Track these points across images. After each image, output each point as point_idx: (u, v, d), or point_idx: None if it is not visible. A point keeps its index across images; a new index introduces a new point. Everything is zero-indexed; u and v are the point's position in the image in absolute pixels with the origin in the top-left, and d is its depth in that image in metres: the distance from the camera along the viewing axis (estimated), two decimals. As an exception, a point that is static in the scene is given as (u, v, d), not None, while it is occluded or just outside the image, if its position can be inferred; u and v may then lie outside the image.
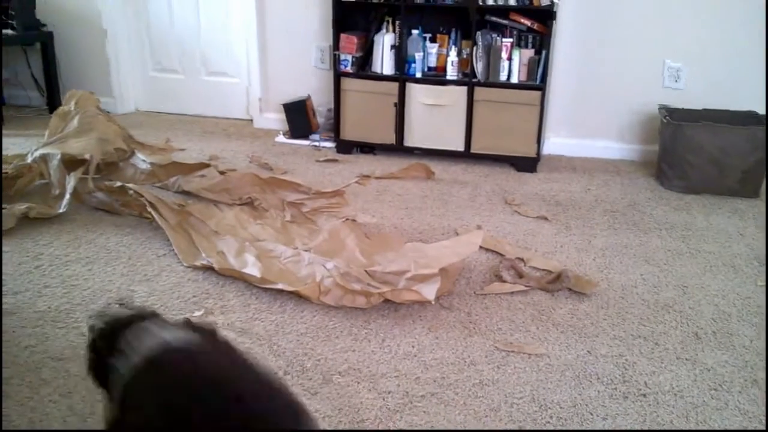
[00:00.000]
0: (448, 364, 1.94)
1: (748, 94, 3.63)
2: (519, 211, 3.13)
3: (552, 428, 1.70)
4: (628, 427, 1.71)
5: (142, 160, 3.38)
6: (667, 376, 1.91)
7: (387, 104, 3.84)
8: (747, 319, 2.22)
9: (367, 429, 1.70)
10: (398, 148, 3.91)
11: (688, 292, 2.40)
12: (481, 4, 3.55)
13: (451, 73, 3.72)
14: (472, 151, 3.79)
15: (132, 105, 4.96)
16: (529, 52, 3.61)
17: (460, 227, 2.93)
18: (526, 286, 2.39)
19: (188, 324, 1.30)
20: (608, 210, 3.18)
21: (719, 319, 2.22)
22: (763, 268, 2.59)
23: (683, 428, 1.71)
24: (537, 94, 3.59)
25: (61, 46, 4.74)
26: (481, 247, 2.70)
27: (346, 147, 4.02)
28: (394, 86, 3.79)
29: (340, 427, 1.68)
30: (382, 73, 3.83)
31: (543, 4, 3.47)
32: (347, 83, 3.89)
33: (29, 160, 3.18)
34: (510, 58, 3.61)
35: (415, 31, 3.77)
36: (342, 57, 3.85)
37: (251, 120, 4.67)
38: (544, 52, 3.56)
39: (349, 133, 3.98)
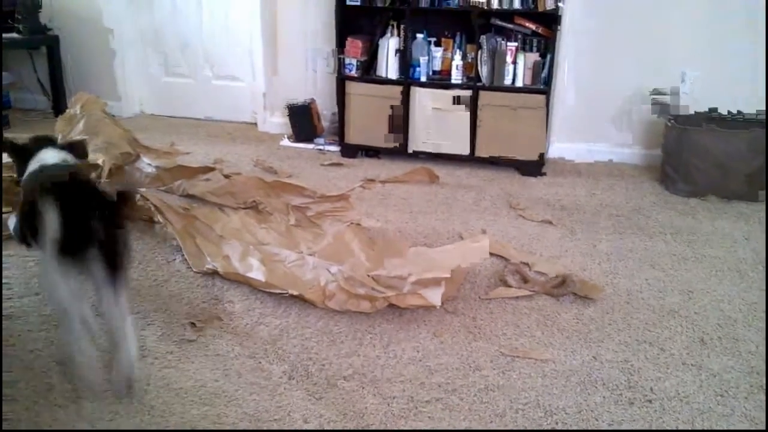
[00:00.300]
0: (453, 369, 1.95)
1: (752, 97, 3.62)
2: (524, 216, 3.13)
3: (550, 428, 1.70)
4: (634, 433, 1.71)
5: (147, 164, 3.39)
6: (672, 381, 1.91)
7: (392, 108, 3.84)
8: (753, 325, 2.22)
9: (368, 429, 1.70)
10: (403, 152, 3.91)
11: (694, 297, 2.39)
12: (486, 8, 3.55)
13: (456, 76, 3.72)
14: (477, 155, 3.79)
15: (137, 108, 4.98)
16: (533, 56, 3.62)
17: (465, 231, 2.93)
18: (531, 290, 2.39)
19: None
20: (613, 214, 3.17)
21: (725, 325, 2.22)
22: (769, 273, 2.59)
23: (684, 428, 1.72)
24: (542, 97, 3.59)
25: (67, 50, 4.76)
26: (485, 251, 2.71)
27: (350, 151, 4.02)
28: (399, 90, 3.79)
29: (346, 433, 1.69)
30: (386, 77, 3.83)
31: (548, 8, 3.47)
32: (352, 87, 3.89)
33: None
34: (515, 62, 3.61)
35: (420, 35, 3.77)
36: (347, 61, 3.85)
37: (256, 124, 4.68)
38: (548, 56, 3.56)
39: (353, 136, 3.99)
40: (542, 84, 3.60)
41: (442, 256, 2.46)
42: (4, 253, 2.61)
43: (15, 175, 2.16)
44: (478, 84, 3.68)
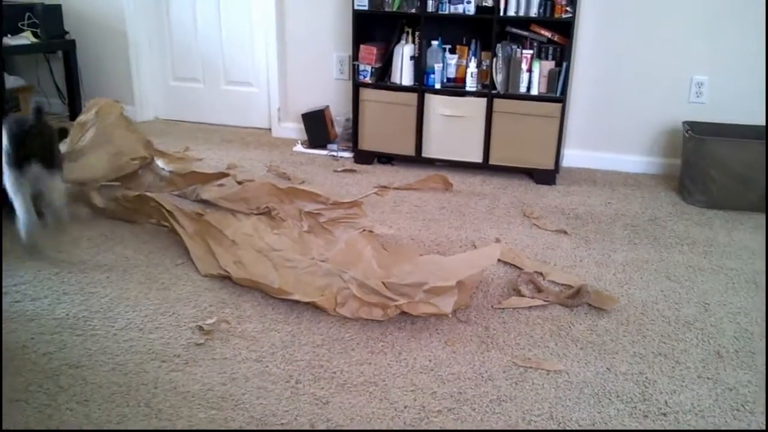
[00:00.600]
0: (465, 378, 1.92)
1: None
2: (537, 224, 3.11)
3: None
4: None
5: (161, 168, 3.40)
6: (687, 395, 1.88)
7: (406, 115, 3.84)
8: (770, 338, 2.18)
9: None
10: (416, 159, 3.90)
11: (710, 310, 2.36)
12: (501, 15, 3.54)
13: (471, 84, 3.71)
14: (491, 162, 3.78)
15: (152, 113, 5.00)
16: (549, 64, 3.60)
17: (478, 240, 2.91)
18: (544, 300, 2.36)
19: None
20: (629, 224, 3.14)
21: (741, 338, 2.18)
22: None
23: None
24: (557, 106, 3.57)
25: (84, 55, 4.80)
26: (499, 260, 2.68)
27: (364, 157, 4.02)
28: (413, 97, 3.79)
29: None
30: (401, 84, 3.83)
31: (564, 16, 3.45)
32: (366, 93, 3.89)
33: None
34: (530, 70, 3.59)
35: (434, 42, 3.77)
36: (361, 67, 3.85)
37: (270, 129, 4.69)
38: (564, 64, 3.54)
39: (367, 143, 3.98)
40: (557, 92, 3.58)
41: (453, 263, 2.44)
42: (16, 258, 2.62)
43: None
44: (493, 92, 3.66)
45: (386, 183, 3.63)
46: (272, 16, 4.35)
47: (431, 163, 3.92)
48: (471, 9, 3.57)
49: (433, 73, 3.76)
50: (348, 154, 4.13)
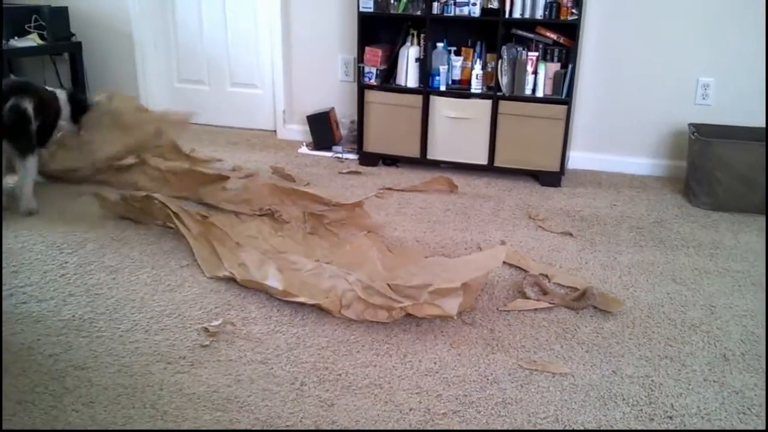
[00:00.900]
0: (470, 381, 1.92)
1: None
2: (543, 227, 3.10)
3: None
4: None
5: (154, 168, 3.44)
6: (694, 398, 1.87)
7: (411, 117, 3.84)
8: (777, 341, 2.17)
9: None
10: (421, 161, 3.90)
11: (716, 312, 2.35)
12: (507, 17, 3.54)
13: (476, 86, 3.71)
14: (496, 164, 3.77)
15: (158, 115, 5.01)
16: (554, 66, 3.59)
17: (483, 242, 2.91)
18: (550, 303, 2.36)
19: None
20: (634, 226, 3.14)
21: (748, 341, 2.17)
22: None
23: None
24: (562, 108, 3.56)
25: (90, 56, 4.81)
26: (504, 262, 2.68)
27: (369, 159, 4.02)
28: (418, 99, 3.79)
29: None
30: (406, 86, 3.83)
31: (570, 18, 3.45)
32: (371, 96, 3.89)
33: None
34: (535, 72, 3.59)
35: (440, 44, 3.77)
36: (366, 69, 3.86)
37: (275, 131, 4.69)
38: (570, 66, 3.54)
39: (372, 145, 3.98)
40: (563, 94, 3.58)
41: (458, 265, 2.44)
42: (22, 258, 2.63)
43: None
44: (498, 94, 3.66)
45: (391, 185, 3.63)
46: (278, 18, 4.36)
47: (436, 165, 3.92)
48: (476, 11, 3.57)
49: (439, 75, 3.76)
50: (353, 156, 4.13)
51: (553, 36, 3.58)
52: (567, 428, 1.73)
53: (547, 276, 2.57)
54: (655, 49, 3.73)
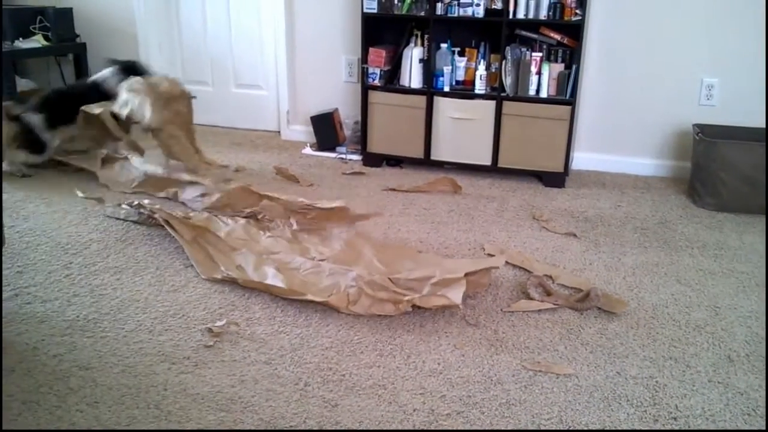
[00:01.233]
0: (474, 382, 1.92)
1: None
2: (547, 227, 3.10)
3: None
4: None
5: (135, 168, 3.53)
6: (698, 399, 1.87)
7: (415, 118, 3.84)
8: (782, 343, 2.16)
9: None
10: (425, 161, 3.90)
11: (721, 313, 2.35)
12: (510, 18, 3.54)
13: (480, 87, 3.71)
14: (500, 165, 3.77)
15: (162, 116, 5.02)
16: (558, 67, 3.59)
17: (487, 243, 2.91)
18: (554, 304, 2.35)
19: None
20: (638, 227, 3.13)
21: (752, 342, 2.16)
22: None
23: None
24: (566, 108, 3.56)
25: (94, 57, 4.82)
26: (508, 263, 2.68)
27: (372, 160, 4.02)
28: (422, 100, 3.79)
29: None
30: (410, 87, 3.83)
31: (573, 19, 3.45)
32: (375, 96, 3.89)
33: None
34: (539, 73, 3.59)
35: (443, 45, 3.77)
36: (370, 70, 3.86)
37: (279, 132, 4.70)
38: (574, 67, 3.53)
39: (376, 146, 3.99)
40: (567, 95, 3.57)
41: (455, 263, 2.45)
42: (27, 258, 2.64)
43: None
44: (502, 94, 3.66)
45: (395, 186, 3.63)
46: (281, 19, 4.36)
47: (440, 165, 3.92)
48: (480, 12, 3.57)
49: (442, 75, 3.76)
50: (357, 157, 4.13)
51: (557, 36, 3.58)
52: (571, 429, 1.73)
53: (551, 277, 2.57)
54: (659, 49, 3.72)
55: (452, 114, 3.76)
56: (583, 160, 4.03)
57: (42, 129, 3.58)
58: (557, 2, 3.45)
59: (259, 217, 2.95)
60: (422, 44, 3.80)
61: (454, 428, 1.72)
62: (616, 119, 3.91)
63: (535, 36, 3.62)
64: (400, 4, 3.71)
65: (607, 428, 1.74)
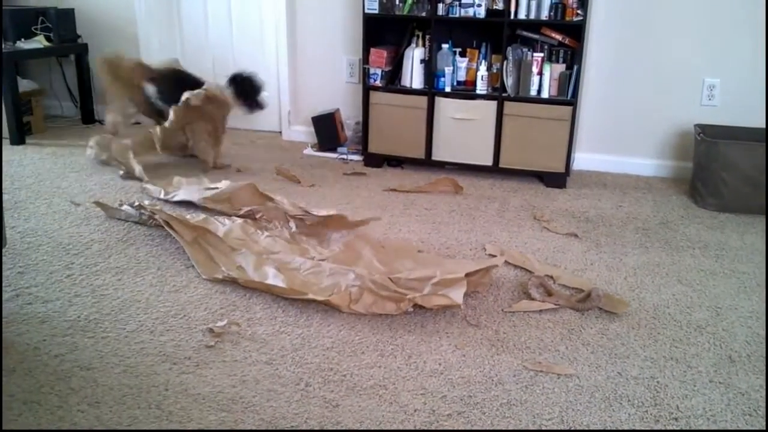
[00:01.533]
0: (475, 382, 1.92)
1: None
2: (548, 228, 3.10)
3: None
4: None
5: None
6: (699, 399, 1.87)
7: (416, 118, 3.84)
8: (783, 343, 2.16)
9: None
10: (426, 162, 3.91)
11: (722, 314, 2.34)
12: (512, 18, 3.54)
13: (481, 87, 3.71)
14: (501, 165, 3.77)
15: (163, 116, 5.02)
16: (560, 67, 3.59)
17: (488, 243, 2.91)
18: (555, 304, 2.35)
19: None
20: (640, 228, 3.13)
21: (753, 342, 2.16)
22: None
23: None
24: (568, 109, 3.56)
25: (96, 58, 4.82)
26: (508, 263, 2.68)
27: (374, 160, 4.02)
28: (423, 100, 3.79)
29: (365, 445, 1.67)
30: (411, 87, 3.83)
31: (575, 19, 3.45)
32: (376, 97, 3.90)
33: None
34: (541, 73, 3.59)
35: (445, 46, 3.77)
36: (371, 71, 3.86)
37: (280, 132, 4.70)
38: (575, 67, 3.53)
39: (377, 146, 3.99)
40: (568, 95, 3.57)
41: (454, 264, 2.45)
42: (28, 258, 2.64)
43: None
44: (503, 95, 3.66)
45: (396, 186, 3.63)
46: (283, 20, 4.36)
47: (441, 166, 3.92)
48: (481, 12, 3.57)
49: (444, 76, 3.76)
50: (358, 157, 4.13)
51: (559, 37, 3.58)
52: (572, 429, 1.73)
53: (552, 277, 2.57)
54: (660, 49, 3.72)
55: (453, 114, 3.76)
56: (584, 160, 4.02)
57: (156, 99, 3.95)
58: (558, 3, 3.45)
59: (257, 216, 2.96)
60: (423, 45, 3.80)
61: (455, 428, 1.72)
62: (617, 119, 3.91)
63: (536, 36, 3.63)
64: (401, 4, 3.72)
65: (608, 428, 1.74)
